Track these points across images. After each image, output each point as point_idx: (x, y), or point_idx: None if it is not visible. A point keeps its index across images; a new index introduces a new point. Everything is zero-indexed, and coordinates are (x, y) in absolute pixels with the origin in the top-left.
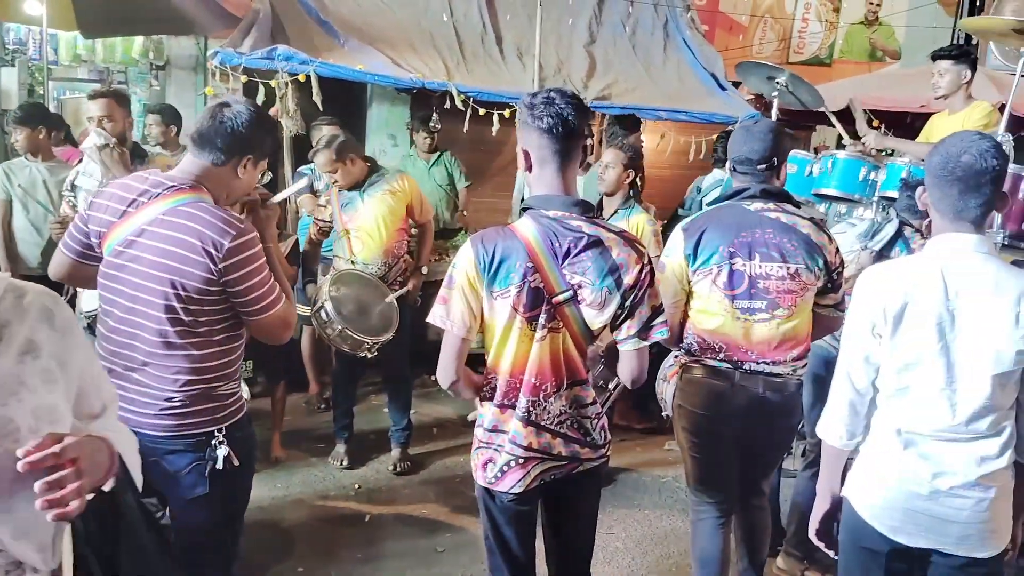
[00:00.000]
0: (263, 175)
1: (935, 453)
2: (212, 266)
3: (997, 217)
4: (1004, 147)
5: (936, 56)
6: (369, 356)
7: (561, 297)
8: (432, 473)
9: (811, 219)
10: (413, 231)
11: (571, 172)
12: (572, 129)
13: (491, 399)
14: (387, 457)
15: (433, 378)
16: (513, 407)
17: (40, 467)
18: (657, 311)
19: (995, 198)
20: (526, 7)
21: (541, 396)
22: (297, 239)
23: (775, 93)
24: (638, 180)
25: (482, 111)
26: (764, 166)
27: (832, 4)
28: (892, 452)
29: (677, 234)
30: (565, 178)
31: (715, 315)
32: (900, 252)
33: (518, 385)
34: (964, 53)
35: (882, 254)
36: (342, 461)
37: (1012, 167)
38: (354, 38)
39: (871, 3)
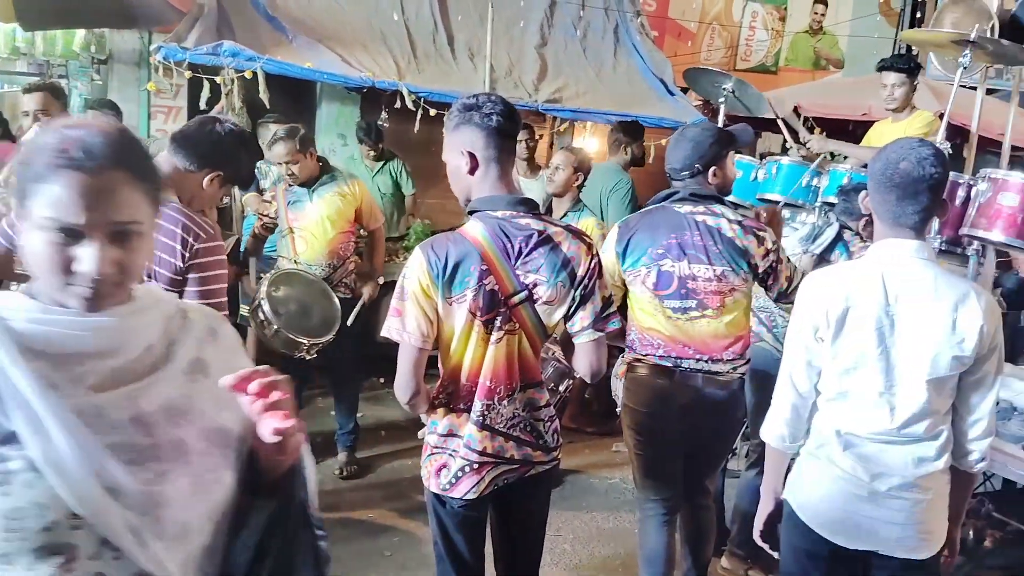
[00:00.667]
0: (223, 199)
1: (873, 455)
2: (179, 264)
3: (935, 223)
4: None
5: (888, 68)
6: (307, 357)
7: (517, 298)
8: (379, 476)
9: (739, 221)
10: (362, 232)
11: (512, 172)
12: (516, 128)
13: (446, 404)
14: (334, 461)
15: (382, 380)
16: (468, 411)
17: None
18: (608, 302)
19: (935, 205)
20: (477, 8)
21: (495, 399)
22: (239, 238)
23: (722, 99)
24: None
25: (433, 111)
26: (687, 173)
27: (778, 13)
28: (832, 454)
29: (614, 231)
30: (509, 178)
31: (650, 314)
32: (840, 255)
33: (473, 389)
34: (916, 66)
35: (823, 257)
36: None
37: (951, 174)
38: (303, 35)
39: (815, 13)
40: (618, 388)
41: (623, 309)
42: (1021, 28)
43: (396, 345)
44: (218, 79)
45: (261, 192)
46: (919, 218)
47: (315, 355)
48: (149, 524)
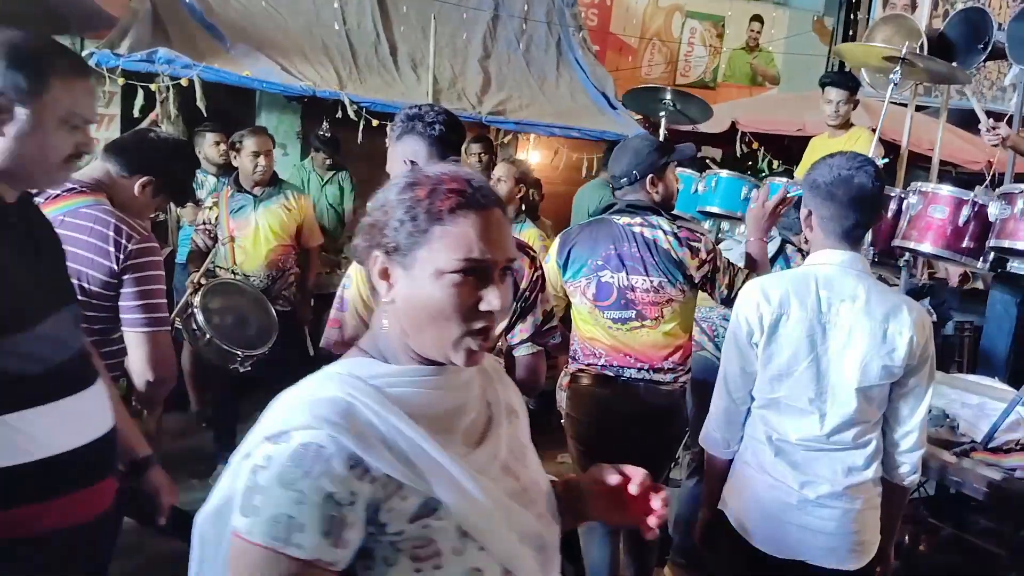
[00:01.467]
0: (157, 215)
1: (803, 462)
2: (114, 267)
3: (868, 235)
4: None
5: (833, 84)
6: (242, 370)
7: None
8: None
9: (675, 233)
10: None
11: None
12: (461, 139)
13: None
14: None
15: None
16: None
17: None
18: (549, 316)
19: (871, 218)
20: (420, 19)
21: None
22: (174, 250)
23: (662, 113)
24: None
25: (376, 122)
26: (625, 180)
27: (716, 30)
28: (764, 461)
29: (555, 242)
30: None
31: (591, 325)
32: (781, 269)
33: None
34: (857, 83)
35: None
36: None
37: None
38: (241, 42)
39: (751, 30)
40: (562, 399)
41: (567, 320)
42: (949, 46)
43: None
44: (153, 87)
45: (198, 204)
46: (852, 229)
47: (250, 367)
48: (546, 564)
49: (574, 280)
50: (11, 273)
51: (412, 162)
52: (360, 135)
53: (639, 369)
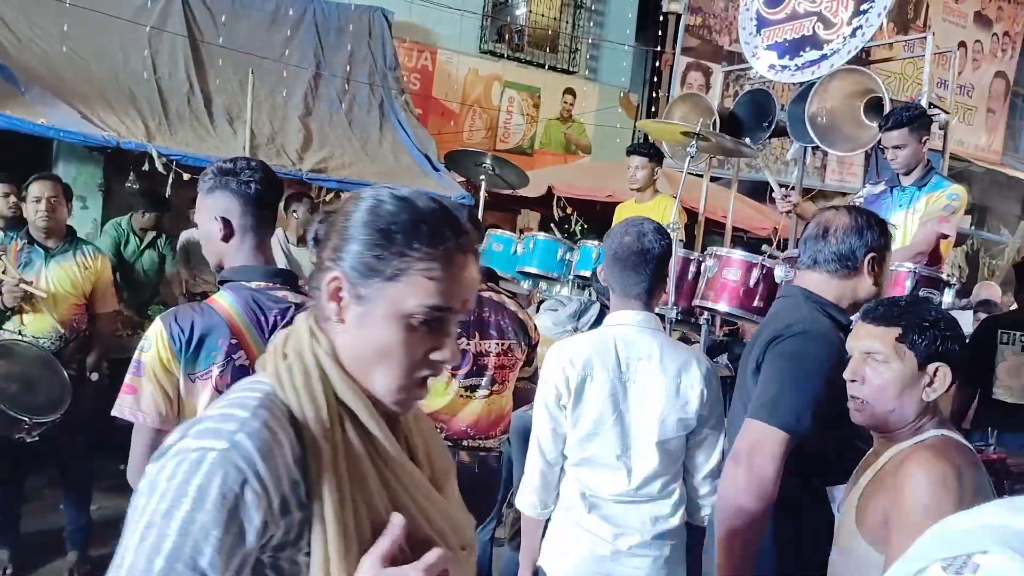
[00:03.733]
0: None
1: (615, 515)
2: None
3: (672, 295)
4: (674, 234)
5: (633, 152)
6: (28, 439)
7: None
8: None
9: (513, 296)
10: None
11: (269, 241)
12: (277, 197)
13: None
14: (62, 562)
15: (123, 467)
16: None
17: None
18: None
19: (657, 277)
20: (238, 73)
21: None
22: None
23: (483, 176)
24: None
25: (187, 175)
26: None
27: (532, 100)
28: (579, 517)
29: None
30: (266, 247)
31: (441, 396)
32: None
33: None
34: (657, 152)
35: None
36: (5, 570)
37: (682, 251)
38: (38, 88)
39: (565, 102)
40: None
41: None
42: (739, 124)
43: (132, 426)
44: None
45: None
46: (643, 289)
47: (37, 437)
48: None
49: None
50: None
51: (224, 219)
52: (169, 189)
53: (475, 438)
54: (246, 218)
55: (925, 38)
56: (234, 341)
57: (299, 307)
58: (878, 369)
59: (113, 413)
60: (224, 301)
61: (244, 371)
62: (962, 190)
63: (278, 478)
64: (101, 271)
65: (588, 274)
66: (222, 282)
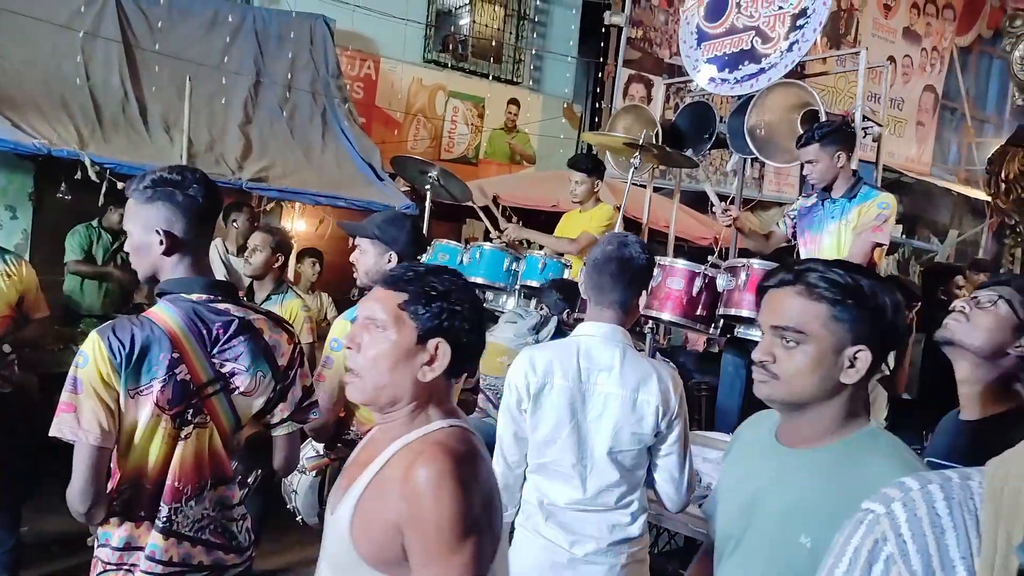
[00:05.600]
0: None
1: (571, 522)
2: None
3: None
4: None
5: (573, 166)
6: None
7: (211, 388)
8: None
9: None
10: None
11: (207, 253)
12: (218, 210)
13: (122, 513)
14: None
15: (57, 488)
16: (152, 519)
17: None
18: (308, 391)
19: (632, 289)
20: (174, 80)
21: (183, 501)
22: None
23: (427, 186)
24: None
25: (120, 184)
26: (420, 256)
27: (476, 110)
28: (537, 524)
29: (346, 327)
30: (206, 260)
31: None
32: None
33: (158, 492)
34: (597, 166)
35: None
36: None
37: None
38: None
39: (509, 112)
40: (298, 484)
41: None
42: (681, 135)
43: (67, 443)
44: None
45: None
46: (615, 299)
47: None
48: None
49: None
50: None
51: (167, 232)
52: (102, 197)
53: None
54: (189, 233)
55: (858, 53)
56: (175, 355)
57: (241, 321)
58: (376, 337)
59: (52, 434)
60: (164, 314)
61: (186, 386)
62: (892, 198)
63: None
64: (28, 278)
65: (535, 284)
66: (160, 294)
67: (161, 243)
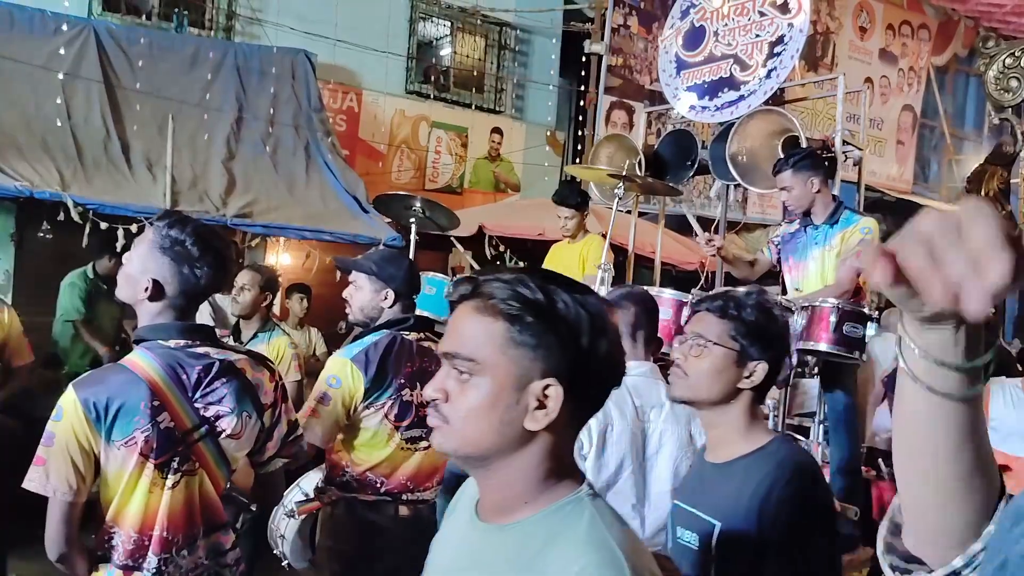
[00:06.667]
0: None
1: None
2: None
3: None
4: (607, 274)
5: (561, 202)
6: None
7: (197, 434)
8: None
9: None
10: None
11: (195, 312)
12: (217, 290)
13: (111, 560)
14: None
15: (41, 533)
16: (140, 568)
17: None
18: (293, 426)
19: (656, 332)
20: (156, 118)
21: (174, 551)
22: None
23: (412, 219)
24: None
25: (104, 224)
26: (415, 295)
27: (460, 139)
28: None
29: (345, 365)
30: (191, 312)
31: (382, 448)
32: None
33: (146, 542)
34: (584, 199)
35: None
36: None
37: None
38: None
39: (492, 141)
40: (285, 528)
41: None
42: (663, 162)
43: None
44: None
45: None
46: (648, 338)
47: None
48: None
49: (377, 401)
50: None
51: (157, 283)
52: (86, 238)
53: (414, 491)
54: (176, 299)
55: (837, 78)
56: (156, 403)
57: (222, 363)
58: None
59: (24, 485)
60: (142, 361)
61: (171, 433)
62: (874, 223)
63: None
64: (9, 324)
65: None
66: (137, 341)
67: (147, 290)
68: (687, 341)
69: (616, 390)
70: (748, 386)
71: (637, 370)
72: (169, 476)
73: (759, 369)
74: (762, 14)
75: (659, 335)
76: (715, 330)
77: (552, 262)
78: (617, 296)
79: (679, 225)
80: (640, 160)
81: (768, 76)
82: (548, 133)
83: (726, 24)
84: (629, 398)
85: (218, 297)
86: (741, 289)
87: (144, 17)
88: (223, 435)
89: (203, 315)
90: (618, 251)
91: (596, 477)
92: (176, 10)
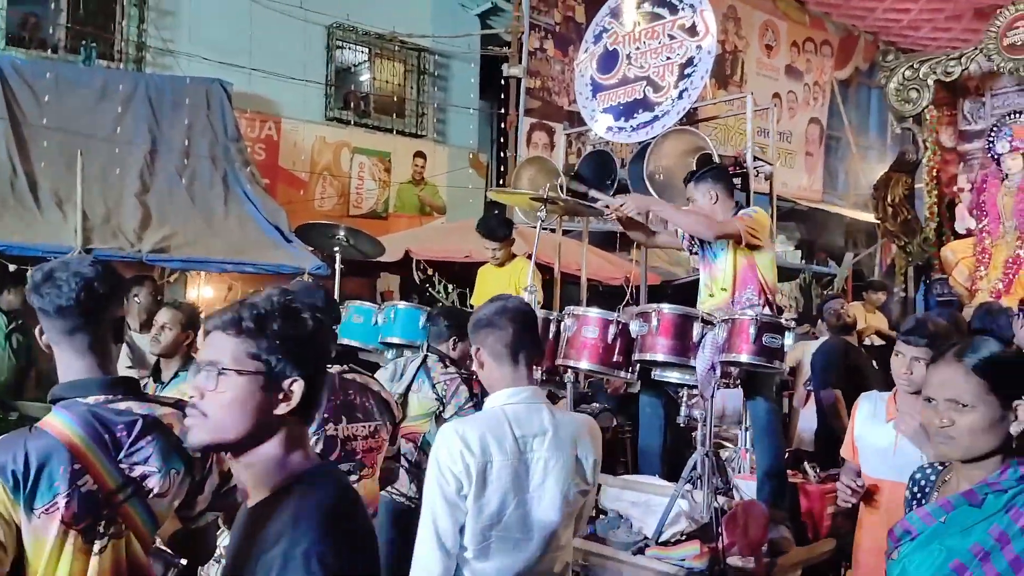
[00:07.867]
0: None
1: None
2: None
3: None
4: (532, 296)
5: (488, 236)
6: None
7: (122, 495)
8: None
9: (370, 375)
10: None
11: (105, 340)
12: (106, 295)
13: None
14: None
15: None
16: None
17: None
18: (227, 476)
19: (537, 346)
20: (64, 154)
21: None
22: None
23: (336, 248)
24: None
25: (13, 267)
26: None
27: (383, 164)
28: None
29: None
30: (100, 349)
31: None
32: (423, 383)
33: None
34: (510, 229)
35: (408, 392)
36: None
37: (541, 312)
38: None
39: (416, 165)
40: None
41: None
42: (584, 182)
43: None
44: None
45: None
46: (527, 359)
47: None
48: None
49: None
50: None
51: (41, 331)
52: None
53: None
54: (58, 334)
55: (745, 97)
56: (77, 467)
57: (146, 419)
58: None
59: None
60: (59, 422)
61: (93, 497)
62: (760, 210)
63: None
64: None
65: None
66: (53, 401)
67: (43, 341)
68: (209, 371)
69: (491, 423)
70: (286, 411)
71: (518, 396)
72: (96, 542)
73: (296, 388)
74: (672, 37)
75: (577, 350)
76: (231, 352)
77: (482, 285)
78: (491, 313)
79: (602, 241)
80: (561, 182)
81: (680, 97)
82: (471, 155)
83: (638, 47)
84: (509, 430)
85: (135, 335)
86: (262, 293)
87: (51, 51)
88: (151, 495)
89: (120, 356)
90: (545, 270)
91: (478, 516)
92: (84, 43)
